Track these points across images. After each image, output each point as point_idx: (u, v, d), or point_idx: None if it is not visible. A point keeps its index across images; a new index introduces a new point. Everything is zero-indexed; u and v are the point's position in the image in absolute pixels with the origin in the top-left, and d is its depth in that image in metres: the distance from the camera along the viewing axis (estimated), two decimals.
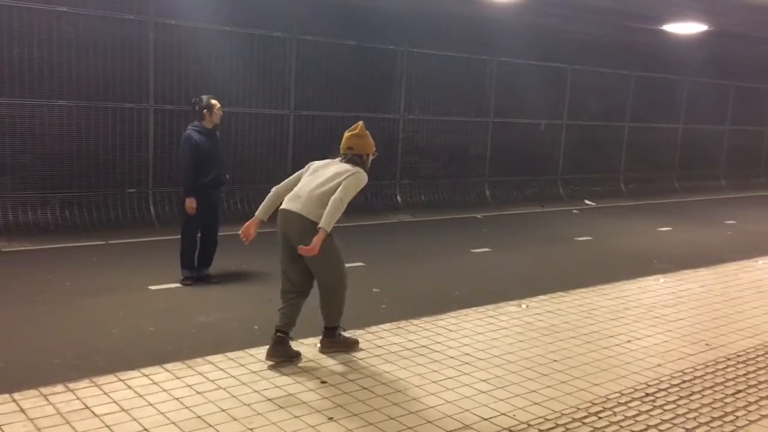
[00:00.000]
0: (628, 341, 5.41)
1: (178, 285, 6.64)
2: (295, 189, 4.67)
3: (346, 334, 5.04)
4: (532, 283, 7.20)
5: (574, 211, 13.14)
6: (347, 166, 4.67)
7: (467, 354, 4.97)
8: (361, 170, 4.68)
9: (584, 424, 3.94)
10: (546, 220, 11.96)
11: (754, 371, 4.89)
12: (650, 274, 7.83)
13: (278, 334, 4.61)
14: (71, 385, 4.07)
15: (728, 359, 5.11)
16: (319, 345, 4.90)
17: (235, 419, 3.78)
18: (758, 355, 5.22)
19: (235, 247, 8.11)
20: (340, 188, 4.49)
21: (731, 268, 8.30)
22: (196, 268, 6.78)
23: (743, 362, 5.06)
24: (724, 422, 4.06)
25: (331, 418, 3.86)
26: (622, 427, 3.92)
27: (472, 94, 12.82)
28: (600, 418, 4.02)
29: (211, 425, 3.70)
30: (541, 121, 13.92)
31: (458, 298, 6.56)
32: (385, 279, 7.30)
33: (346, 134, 4.83)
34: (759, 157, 19.05)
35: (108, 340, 5.16)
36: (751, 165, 18.77)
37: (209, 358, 4.62)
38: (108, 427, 3.61)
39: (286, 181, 4.82)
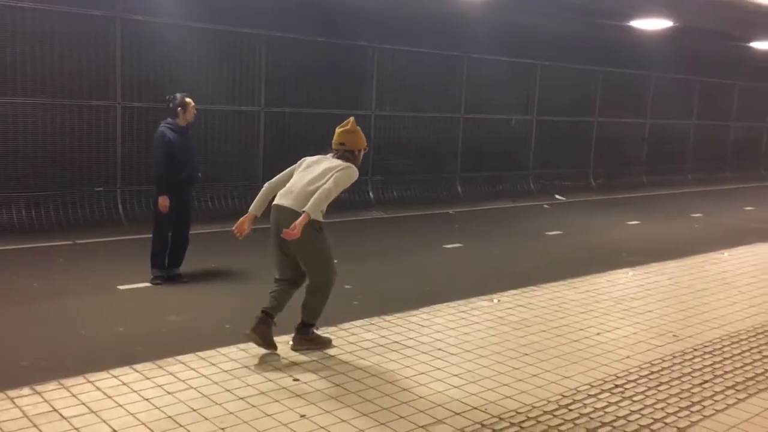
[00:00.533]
0: (598, 334, 5.48)
1: (148, 285, 6.56)
2: (288, 185, 4.72)
3: (319, 332, 5.03)
4: (503, 278, 7.25)
5: (545, 206, 13.27)
6: (339, 162, 4.72)
7: (439, 349, 4.99)
8: (353, 165, 4.75)
9: (555, 416, 3.98)
10: (517, 215, 12.06)
11: (720, 361, 4.99)
12: (619, 267, 7.93)
13: (263, 314, 4.66)
14: (38, 388, 4.00)
15: (695, 350, 5.20)
16: (291, 342, 4.88)
17: (206, 419, 3.75)
18: (724, 346, 5.32)
19: (205, 246, 8.08)
20: (330, 179, 4.55)
21: (698, 260, 8.45)
22: (167, 268, 6.71)
23: (710, 353, 5.16)
24: (692, 412, 4.13)
25: (303, 416, 3.85)
26: (592, 418, 3.97)
27: (444, 91, 12.87)
28: (570, 410, 4.07)
29: (182, 425, 3.66)
30: (511, 116, 14.02)
31: (430, 294, 6.58)
32: (357, 275, 7.28)
33: (338, 130, 4.89)
34: (724, 151, 19.41)
35: (76, 342, 5.09)
36: (717, 159, 19.12)
37: (180, 357, 4.57)
38: (76, 429, 3.56)
39: (278, 176, 4.88)
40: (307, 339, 4.86)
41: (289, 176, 4.81)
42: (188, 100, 6.63)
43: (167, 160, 6.47)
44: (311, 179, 4.63)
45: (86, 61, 8.84)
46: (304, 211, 4.41)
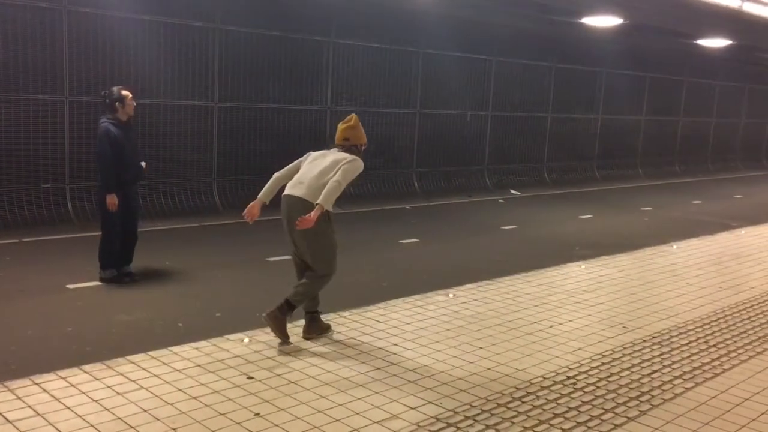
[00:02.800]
0: (551, 326, 5.56)
1: (98, 284, 6.41)
2: (297, 176, 4.93)
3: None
4: (459, 272, 7.30)
5: (500, 200, 13.40)
6: (345, 154, 4.95)
7: (395, 344, 5.00)
8: (358, 158, 4.97)
9: (508, 408, 4.03)
10: (473, 210, 12.15)
11: (669, 352, 5.11)
12: (572, 260, 8.07)
13: (308, 314, 4.99)
14: None
15: (644, 341, 5.32)
16: (265, 315, 4.79)
17: (157, 419, 3.68)
18: (672, 337, 5.46)
19: (157, 243, 7.94)
20: (339, 172, 4.76)
21: (647, 253, 8.64)
22: (117, 266, 6.56)
23: (658, 343, 5.28)
24: (641, 401, 4.22)
25: (257, 414, 3.81)
26: (545, 410, 4.03)
27: (399, 86, 12.88)
28: (523, 402, 4.12)
29: (132, 426, 3.59)
30: (467, 112, 14.11)
31: (387, 289, 6.59)
32: None
33: (342, 126, 5.11)
34: (673, 146, 19.88)
35: (22, 343, 4.94)
36: (666, 154, 19.58)
37: (131, 357, 4.49)
38: None
39: (285, 168, 5.09)
40: (281, 319, 4.77)
41: (296, 168, 5.01)
42: (125, 93, 6.43)
43: (114, 158, 6.31)
44: (321, 171, 4.82)
45: (32, 54, 8.58)
46: (318, 204, 4.61)
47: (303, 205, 4.70)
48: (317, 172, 4.82)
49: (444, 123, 13.72)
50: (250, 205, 4.96)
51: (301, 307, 4.99)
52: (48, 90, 8.77)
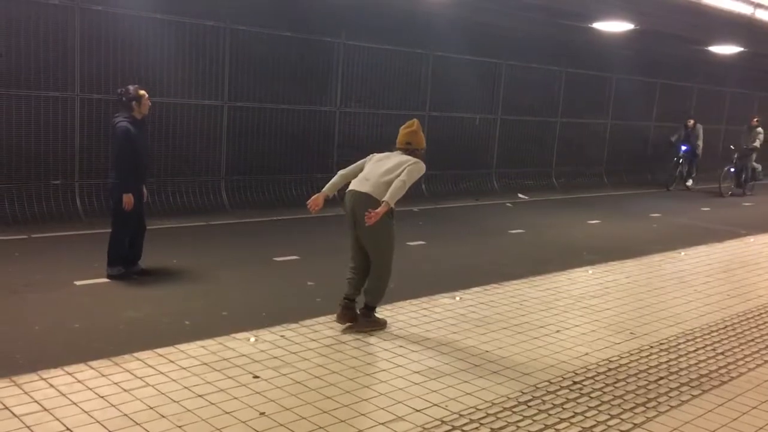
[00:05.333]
0: (558, 331, 5.54)
1: (106, 280, 6.43)
2: (362, 174, 5.23)
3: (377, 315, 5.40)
4: (466, 275, 7.29)
5: (508, 204, 13.38)
6: (408, 157, 5.23)
7: (401, 346, 4.99)
8: (420, 161, 5.24)
9: (514, 412, 4.02)
10: (480, 214, 12.14)
11: (676, 359, 5.09)
12: (579, 265, 8.04)
13: (345, 300, 5.22)
14: None
15: (651, 347, 5.30)
16: (351, 325, 5.21)
17: (163, 416, 3.69)
18: (679, 343, 5.43)
19: (166, 241, 7.96)
20: (404, 172, 5.05)
21: (655, 259, 8.61)
22: (125, 263, 6.59)
23: (665, 350, 5.26)
24: (647, 408, 4.20)
25: (263, 413, 3.81)
26: (550, 414, 4.02)
27: (408, 88, 12.88)
28: (529, 406, 4.11)
29: (138, 423, 3.60)
30: (476, 115, 14.10)
31: (393, 291, 6.52)
32: (319, 272, 7.26)
33: (405, 131, 5.37)
34: None
35: (30, 338, 4.96)
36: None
37: (137, 354, 4.50)
38: (28, 427, 3.47)
39: (350, 167, 5.39)
40: (370, 321, 5.26)
41: (360, 168, 5.31)
42: (142, 92, 6.48)
43: (132, 156, 6.37)
44: (386, 170, 5.10)
45: (44, 52, 8.62)
46: (384, 201, 4.91)
47: (368, 200, 5.00)
48: (382, 171, 5.11)
49: (453, 126, 13.71)
50: (314, 197, 5.26)
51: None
52: (59, 87, 8.81)
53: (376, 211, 4.86)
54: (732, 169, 16.55)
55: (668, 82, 18.53)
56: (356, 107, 12.01)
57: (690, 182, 17.31)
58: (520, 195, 14.11)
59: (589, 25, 12.43)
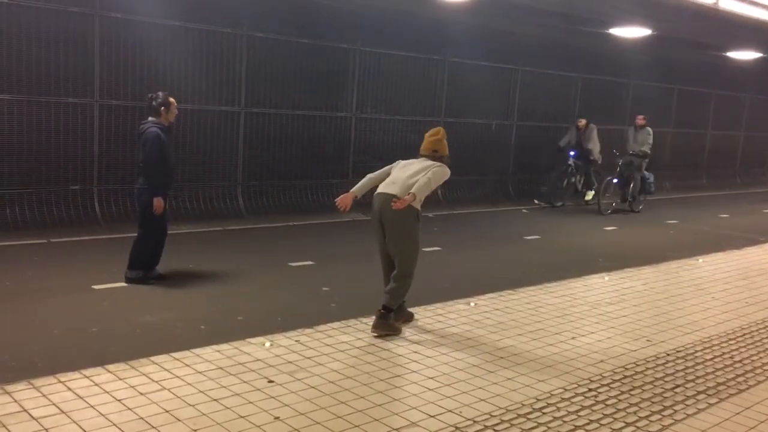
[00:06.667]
0: (573, 338, 5.51)
1: (123, 284, 6.49)
2: (390, 178, 5.44)
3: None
4: (481, 282, 7.28)
5: (524, 210, 13.34)
6: (431, 162, 5.44)
7: (416, 352, 4.99)
8: (445, 165, 5.46)
9: (528, 419, 4.00)
10: (496, 219, 12.11)
11: (693, 366, 5.04)
12: (595, 272, 8.00)
13: (381, 310, 5.30)
14: (8, 387, 3.94)
15: (668, 355, 5.26)
16: (372, 328, 5.30)
17: (179, 420, 3.72)
18: (697, 351, 5.39)
19: (182, 246, 8.02)
20: (430, 173, 5.27)
21: (672, 266, 8.54)
22: (145, 267, 6.66)
23: (682, 358, 5.22)
24: (663, 416, 4.17)
25: (277, 418, 3.83)
26: (565, 422, 4.00)
27: (424, 94, 12.88)
28: (544, 413, 4.09)
29: (154, 426, 3.63)
30: (492, 121, 14.07)
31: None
32: (334, 277, 7.28)
33: (431, 138, 5.56)
34: (700, 159, 19.63)
35: (48, 341, 5.02)
36: (692, 167, 19.33)
37: (154, 358, 4.54)
38: (46, 430, 3.52)
39: (378, 171, 5.63)
40: (386, 325, 5.31)
41: (387, 173, 5.53)
42: (171, 99, 6.64)
43: (163, 161, 6.50)
44: (411, 174, 5.32)
45: (64, 58, 8.73)
46: (411, 192, 5.10)
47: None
48: (408, 174, 5.33)
49: (469, 132, 13.68)
50: (343, 196, 5.45)
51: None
52: (78, 93, 8.91)
53: (403, 198, 5.07)
54: (615, 180, 13.39)
55: (686, 88, 18.39)
56: (372, 113, 12.03)
57: (589, 196, 14.20)
58: (536, 201, 14.05)
59: (606, 31, 12.38)
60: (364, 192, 5.60)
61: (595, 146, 13.89)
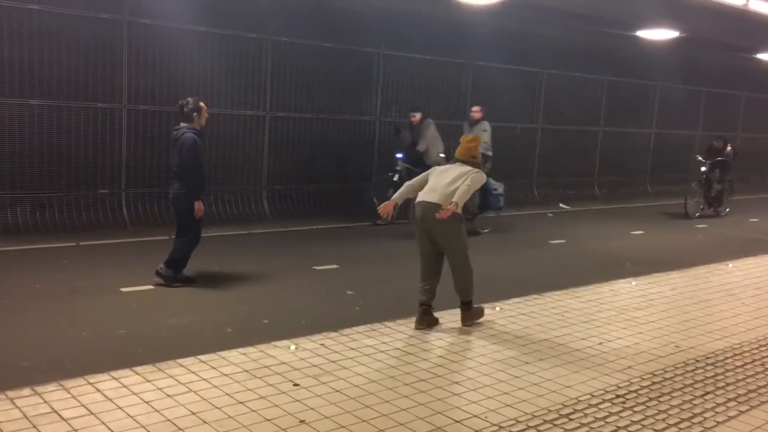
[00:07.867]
0: (600, 343, 5.46)
1: (151, 287, 6.56)
2: (428, 186, 5.65)
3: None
4: (506, 286, 7.23)
5: (549, 214, 13.24)
6: (469, 167, 5.65)
7: (440, 356, 4.98)
8: (481, 171, 5.70)
9: (555, 425, 3.96)
10: (521, 224, 12.04)
11: (723, 373, 4.96)
12: (622, 276, 7.91)
13: (423, 306, 5.62)
14: (38, 389, 4.00)
15: (697, 361, 5.18)
16: (461, 322, 5.71)
17: (205, 422, 3.74)
18: (726, 358, 5.30)
19: (209, 249, 8.08)
20: (468, 179, 5.49)
21: (701, 271, 8.42)
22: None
23: (712, 364, 5.13)
24: (693, 423, 4.11)
25: (303, 421, 3.84)
26: (592, 428, 3.95)
27: (449, 98, 12.87)
28: (571, 419, 4.05)
29: (181, 429, 3.66)
30: (516, 124, 14.01)
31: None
32: (358, 281, 7.29)
33: (468, 145, 5.84)
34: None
35: (77, 343, 5.09)
36: None
37: (181, 360, 4.57)
38: (76, 431, 3.56)
39: (416, 179, 5.85)
40: (471, 314, 5.73)
41: (425, 180, 5.72)
42: (202, 104, 6.71)
43: (200, 165, 6.61)
44: (450, 181, 5.53)
45: (92, 64, 8.87)
46: (453, 201, 5.35)
47: (438, 209, 5.39)
48: (447, 182, 5.53)
49: (493, 135, 13.60)
50: (385, 204, 5.73)
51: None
52: (107, 98, 9.05)
53: (447, 207, 5.31)
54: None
55: (714, 90, 18.14)
56: (396, 117, 12.02)
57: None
58: (561, 205, 13.97)
59: (633, 33, 12.27)
60: (404, 199, 5.86)
61: (427, 145, 10.64)
